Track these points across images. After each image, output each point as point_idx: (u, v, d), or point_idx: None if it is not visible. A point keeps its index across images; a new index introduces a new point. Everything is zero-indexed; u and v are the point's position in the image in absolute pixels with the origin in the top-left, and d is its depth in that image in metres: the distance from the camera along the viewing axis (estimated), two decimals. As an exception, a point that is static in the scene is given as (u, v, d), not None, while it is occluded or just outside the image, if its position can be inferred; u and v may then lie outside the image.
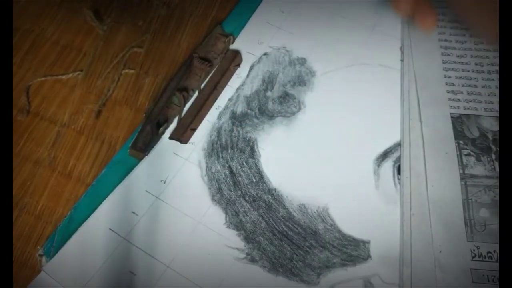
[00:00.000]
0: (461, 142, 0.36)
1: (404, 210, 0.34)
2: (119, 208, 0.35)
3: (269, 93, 0.40)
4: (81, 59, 0.43)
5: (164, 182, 0.36)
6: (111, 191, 0.36)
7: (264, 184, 0.36)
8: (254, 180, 0.36)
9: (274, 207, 0.35)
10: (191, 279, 0.33)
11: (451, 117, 0.37)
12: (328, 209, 0.35)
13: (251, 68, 0.41)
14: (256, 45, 0.43)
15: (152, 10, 0.46)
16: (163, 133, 0.38)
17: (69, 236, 0.34)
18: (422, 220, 0.33)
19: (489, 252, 0.32)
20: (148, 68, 0.42)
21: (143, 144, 0.37)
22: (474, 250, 0.32)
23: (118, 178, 0.37)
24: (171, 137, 0.38)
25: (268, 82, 0.40)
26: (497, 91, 0.38)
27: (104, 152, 0.39)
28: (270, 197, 0.35)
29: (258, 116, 0.39)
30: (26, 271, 0.34)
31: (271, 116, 0.39)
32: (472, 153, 0.36)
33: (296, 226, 0.34)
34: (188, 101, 0.40)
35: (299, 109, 0.39)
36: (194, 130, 0.38)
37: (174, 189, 0.36)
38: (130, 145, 0.38)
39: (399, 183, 0.35)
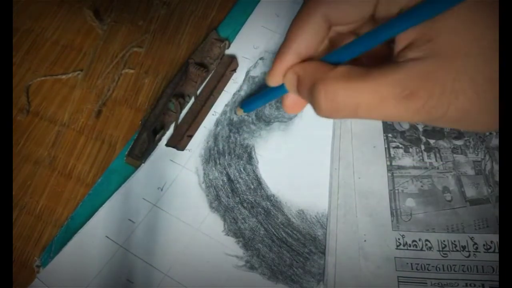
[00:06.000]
0: (389, 135, 0.37)
1: (331, 201, 0.35)
2: (115, 216, 0.35)
3: (265, 98, 0.40)
4: (81, 59, 0.43)
5: (161, 190, 0.36)
6: (108, 199, 0.36)
7: (262, 191, 0.36)
8: (252, 187, 0.36)
9: (272, 213, 0.35)
10: (190, 287, 0.32)
11: None
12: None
13: (247, 73, 0.41)
14: (252, 49, 0.42)
15: (152, 10, 0.45)
16: (159, 140, 0.38)
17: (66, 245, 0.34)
18: (348, 210, 0.34)
19: (414, 240, 0.33)
20: (148, 68, 0.42)
21: (140, 152, 0.37)
22: (399, 239, 0.33)
23: (114, 186, 0.36)
24: (167, 144, 0.38)
25: (265, 87, 0.40)
26: None
27: (104, 152, 0.38)
28: (268, 203, 0.35)
29: (255, 122, 0.39)
30: (26, 271, 0.34)
31: (268, 122, 0.39)
32: (400, 145, 0.37)
33: (295, 232, 0.34)
34: (184, 108, 0.39)
35: (296, 114, 0.39)
36: (190, 136, 0.38)
37: (171, 196, 0.36)
38: (126, 153, 0.37)
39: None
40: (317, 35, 0.26)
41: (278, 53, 0.27)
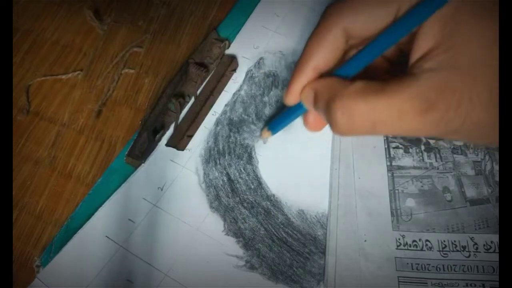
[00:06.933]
0: (389, 135, 0.37)
1: (332, 201, 0.35)
2: (115, 216, 0.35)
3: (265, 98, 0.40)
4: (81, 59, 0.43)
5: (161, 190, 0.36)
6: (108, 199, 0.36)
7: (263, 190, 0.36)
8: (252, 187, 0.36)
9: (273, 213, 0.35)
10: (190, 287, 0.32)
11: None
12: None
13: (247, 73, 0.41)
14: (252, 49, 0.42)
15: (152, 10, 0.46)
16: (159, 140, 0.38)
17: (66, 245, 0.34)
18: (348, 210, 0.34)
19: (414, 240, 0.33)
20: (148, 68, 0.42)
21: (140, 152, 0.37)
22: (399, 239, 0.33)
23: (114, 186, 0.36)
24: (167, 144, 0.38)
25: (265, 87, 0.40)
26: None
27: (104, 151, 0.38)
28: (268, 203, 0.35)
29: (255, 122, 0.39)
30: (26, 271, 0.34)
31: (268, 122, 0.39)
32: (400, 146, 0.37)
33: (295, 232, 0.34)
34: (184, 108, 0.39)
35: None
36: (191, 136, 0.38)
37: (172, 196, 0.36)
38: (126, 153, 0.37)
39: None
40: (336, 49, 0.25)
41: (295, 70, 0.26)
